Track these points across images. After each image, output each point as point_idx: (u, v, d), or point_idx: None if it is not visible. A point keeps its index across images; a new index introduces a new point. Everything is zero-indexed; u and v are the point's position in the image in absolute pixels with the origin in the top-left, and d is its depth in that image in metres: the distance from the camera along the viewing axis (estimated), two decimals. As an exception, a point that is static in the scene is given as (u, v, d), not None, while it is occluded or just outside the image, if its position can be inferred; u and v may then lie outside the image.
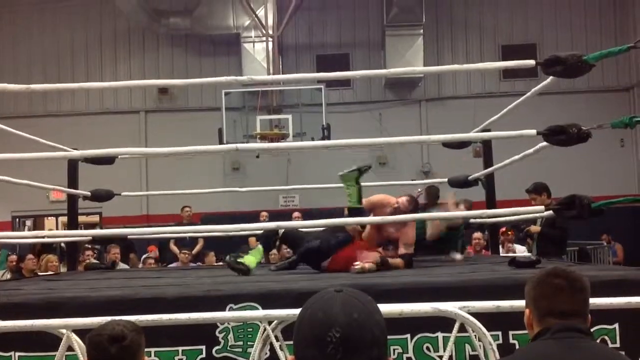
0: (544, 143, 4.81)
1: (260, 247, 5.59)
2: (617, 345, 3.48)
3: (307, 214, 11.06)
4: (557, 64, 4.39)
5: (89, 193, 7.06)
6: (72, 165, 6.88)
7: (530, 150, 5.21)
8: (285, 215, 11.28)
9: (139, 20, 15.80)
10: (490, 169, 6.67)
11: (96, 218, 15.40)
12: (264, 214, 11.31)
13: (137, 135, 16.01)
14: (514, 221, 6.91)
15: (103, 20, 16.51)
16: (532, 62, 4.67)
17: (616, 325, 3.51)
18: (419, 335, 3.53)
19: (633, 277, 3.85)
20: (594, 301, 2.69)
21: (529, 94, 5.36)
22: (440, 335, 3.50)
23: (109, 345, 2.17)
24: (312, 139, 12.41)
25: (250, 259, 5.38)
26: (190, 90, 16.10)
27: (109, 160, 6.59)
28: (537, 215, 5.51)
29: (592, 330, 3.34)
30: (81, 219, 8.71)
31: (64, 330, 2.94)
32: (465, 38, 16.52)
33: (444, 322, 3.14)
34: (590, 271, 4.06)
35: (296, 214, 11.30)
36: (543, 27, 16.22)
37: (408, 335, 3.52)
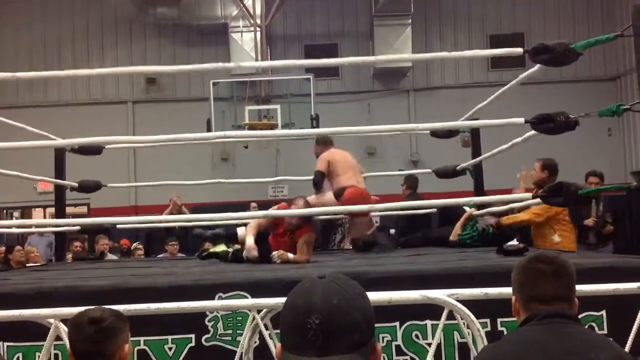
0: (532, 132, 4.83)
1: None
2: (605, 332, 3.51)
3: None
4: (545, 52, 4.40)
5: (77, 184, 7.02)
6: (59, 155, 6.85)
7: (519, 139, 5.22)
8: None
9: (126, 9, 15.68)
10: (478, 158, 6.69)
11: (84, 209, 15.33)
12: (254, 204, 11.29)
13: (125, 126, 15.91)
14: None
15: (90, 9, 16.37)
16: (519, 50, 4.68)
17: (603, 312, 3.54)
18: (408, 323, 3.54)
19: (620, 264, 3.89)
20: (581, 288, 2.70)
21: (515, 80, 5.37)
22: (429, 322, 3.52)
23: (87, 326, 2.22)
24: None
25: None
26: (178, 80, 16.03)
27: (96, 150, 6.58)
28: (529, 202, 5.49)
29: (579, 317, 3.38)
30: (69, 210, 8.68)
31: (52, 320, 2.94)
32: (453, 28, 16.53)
33: (432, 310, 3.15)
34: (578, 258, 4.09)
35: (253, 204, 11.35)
36: (531, 17, 16.25)
37: (397, 323, 3.54)
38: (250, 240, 5.38)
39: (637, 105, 3.99)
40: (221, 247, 6.17)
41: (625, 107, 4.21)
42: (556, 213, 5.78)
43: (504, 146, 5.62)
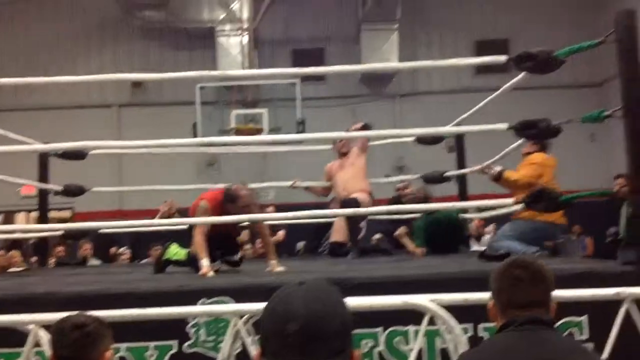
0: (522, 139, 4.88)
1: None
2: (587, 336, 3.53)
3: (284, 209, 10.99)
4: (528, 59, 4.44)
5: (61, 188, 6.99)
6: (43, 160, 6.81)
7: (509, 148, 5.31)
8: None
9: (112, 13, 15.63)
10: (465, 170, 6.74)
11: (67, 213, 15.22)
12: None
13: (111, 130, 15.83)
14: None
15: (75, 13, 16.29)
16: (503, 57, 4.70)
17: (584, 318, 3.55)
18: (390, 329, 3.54)
19: (600, 269, 3.91)
20: (562, 293, 2.72)
21: (500, 90, 5.40)
22: (411, 328, 3.51)
23: (70, 331, 2.24)
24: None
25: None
26: (164, 84, 15.97)
27: (80, 155, 6.54)
28: (513, 208, 5.47)
29: (560, 322, 3.40)
30: (53, 214, 8.61)
31: (31, 326, 2.91)
32: (439, 33, 16.59)
33: (415, 316, 3.15)
34: (558, 264, 4.11)
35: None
36: (516, 23, 16.33)
37: (380, 329, 3.53)
38: (207, 263, 4.93)
39: (618, 112, 4.02)
40: (174, 250, 5.51)
41: (607, 113, 4.24)
42: (548, 180, 5.49)
43: (497, 157, 5.69)
